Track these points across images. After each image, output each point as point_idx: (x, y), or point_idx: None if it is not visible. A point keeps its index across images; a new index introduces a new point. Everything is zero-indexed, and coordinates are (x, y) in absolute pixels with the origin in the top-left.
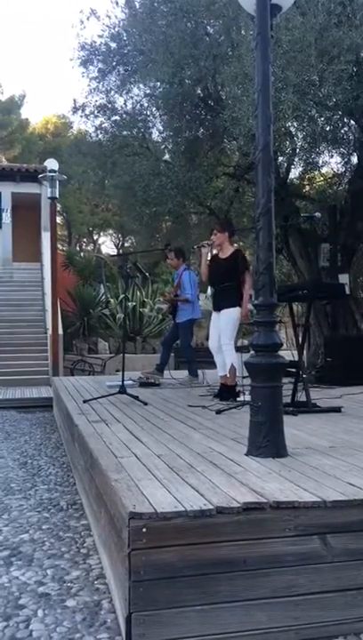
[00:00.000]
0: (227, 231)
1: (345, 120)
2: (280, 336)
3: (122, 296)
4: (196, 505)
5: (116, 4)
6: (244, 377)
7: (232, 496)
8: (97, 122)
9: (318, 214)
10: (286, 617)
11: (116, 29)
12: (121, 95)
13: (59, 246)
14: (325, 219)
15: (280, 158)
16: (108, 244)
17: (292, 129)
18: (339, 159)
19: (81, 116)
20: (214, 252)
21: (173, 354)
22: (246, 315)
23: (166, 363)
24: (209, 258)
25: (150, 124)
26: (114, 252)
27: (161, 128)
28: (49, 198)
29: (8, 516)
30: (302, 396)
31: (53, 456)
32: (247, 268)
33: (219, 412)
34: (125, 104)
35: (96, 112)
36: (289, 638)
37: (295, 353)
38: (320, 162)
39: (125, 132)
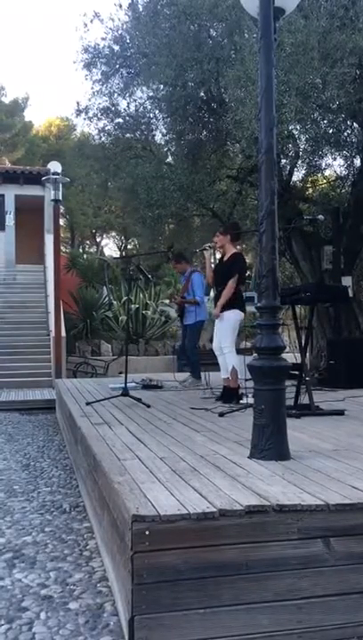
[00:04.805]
0: (229, 234)
1: (348, 123)
2: (283, 338)
3: (125, 298)
4: (199, 508)
5: (120, 6)
6: (247, 379)
7: (235, 499)
8: (100, 124)
9: (320, 217)
10: (289, 620)
11: (120, 32)
12: (124, 98)
13: (62, 248)
14: (328, 221)
15: (283, 161)
16: (111, 247)
17: (295, 132)
18: (342, 162)
19: (84, 119)
20: (218, 255)
21: (176, 356)
22: (216, 314)
23: (198, 365)
24: (213, 260)
25: (153, 127)
26: (117, 254)
27: (164, 131)
28: (52, 200)
29: (11, 519)
30: (305, 399)
31: (56, 458)
32: (240, 272)
33: (222, 414)
34: (128, 107)
35: (99, 115)
36: None
37: (298, 355)
38: (323, 164)
39: (128, 135)
